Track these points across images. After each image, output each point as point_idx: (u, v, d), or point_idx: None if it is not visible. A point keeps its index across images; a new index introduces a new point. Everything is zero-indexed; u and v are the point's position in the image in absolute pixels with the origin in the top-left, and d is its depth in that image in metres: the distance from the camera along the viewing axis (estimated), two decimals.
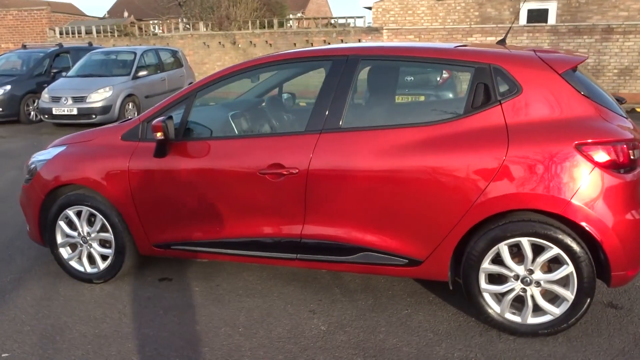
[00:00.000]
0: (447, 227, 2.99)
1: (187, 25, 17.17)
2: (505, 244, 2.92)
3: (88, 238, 3.78)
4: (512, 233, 2.89)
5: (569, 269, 2.85)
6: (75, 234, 3.80)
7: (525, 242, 2.88)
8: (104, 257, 3.79)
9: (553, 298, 2.98)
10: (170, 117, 3.38)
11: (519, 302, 3.03)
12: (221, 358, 2.89)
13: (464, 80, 3.05)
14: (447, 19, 15.67)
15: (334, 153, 3.13)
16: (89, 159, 3.68)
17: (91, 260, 3.83)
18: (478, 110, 2.96)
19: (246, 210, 3.35)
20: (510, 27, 3.98)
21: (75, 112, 11.13)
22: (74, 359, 2.92)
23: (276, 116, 4.09)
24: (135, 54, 12.49)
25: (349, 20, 15.61)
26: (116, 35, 17.41)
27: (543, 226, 2.83)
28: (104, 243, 3.79)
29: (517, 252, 2.96)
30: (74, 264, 3.86)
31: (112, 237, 3.70)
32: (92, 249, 3.80)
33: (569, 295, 2.88)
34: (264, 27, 16.14)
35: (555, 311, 2.93)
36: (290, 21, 15.90)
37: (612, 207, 2.77)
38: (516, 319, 3.00)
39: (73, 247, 3.87)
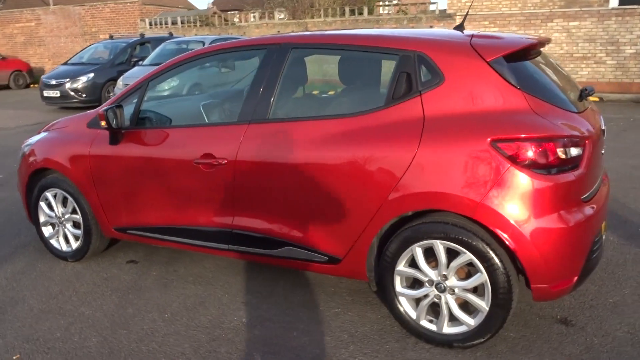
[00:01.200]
0: (362, 224, 2.83)
1: (264, 14, 17.50)
2: (419, 246, 2.72)
3: (63, 219, 4.03)
4: (424, 235, 2.68)
5: (482, 277, 2.59)
6: (53, 214, 4.06)
7: (439, 245, 2.66)
8: (77, 238, 4.02)
9: (473, 308, 2.73)
10: (120, 106, 3.49)
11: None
12: (132, 342, 2.96)
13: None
14: (528, 3, 14.61)
15: (259, 144, 3.07)
16: (60, 144, 3.90)
17: (67, 239, 4.08)
18: (398, 102, 2.76)
19: (185, 199, 3.39)
20: (467, 12, 3.63)
21: None
22: (9, 330, 3.13)
23: (233, 106, 4.07)
24: (203, 43, 12.95)
25: (422, 7, 15.08)
26: (198, 26, 18.18)
27: (455, 229, 2.59)
28: (76, 224, 4.02)
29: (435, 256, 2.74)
30: (53, 242, 4.12)
31: (81, 218, 3.91)
32: (66, 229, 4.04)
33: (484, 306, 2.62)
34: (336, 16, 16.05)
35: (470, 322, 2.68)
36: (364, 9, 15.64)
37: (531, 211, 2.47)
38: (432, 327, 2.79)
39: (53, 226, 4.14)
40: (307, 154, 2.92)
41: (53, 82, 13.46)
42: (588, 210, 2.61)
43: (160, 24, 18.95)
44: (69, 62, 14.83)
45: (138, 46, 14.79)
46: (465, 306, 2.74)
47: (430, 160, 2.61)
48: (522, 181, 2.46)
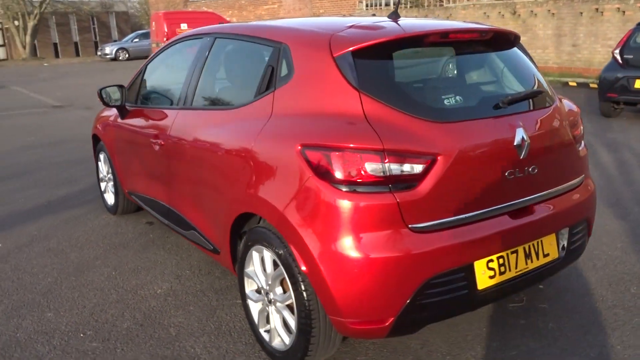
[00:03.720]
0: (223, 219, 2.79)
1: None
2: (255, 250, 2.57)
3: (106, 178, 4.76)
4: (256, 239, 2.52)
5: (291, 295, 2.35)
6: (105, 172, 4.83)
7: (264, 252, 2.49)
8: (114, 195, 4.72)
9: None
10: (121, 86, 3.98)
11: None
12: (67, 288, 3.44)
13: None
14: None
15: (177, 131, 3.22)
16: (102, 116, 4.60)
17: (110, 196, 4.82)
18: (259, 97, 2.61)
19: (150, 173, 3.73)
20: (398, 1, 3.01)
21: None
22: (15, 261, 3.91)
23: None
24: None
25: None
26: (408, 7, 18.14)
27: (273, 238, 2.38)
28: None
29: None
30: (105, 196, 4.90)
31: (113, 179, 4.57)
32: (108, 187, 4.77)
33: (293, 328, 2.38)
34: None
35: (286, 340, 2.46)
36: None
37: (325, 231, 2.13)
38: (266, 337, 2.62)
39: (105, 183, 4.91)
40: (195, 143, 3.01)
41: None
42: (418, 242, 2.13)
43: (376, 5, 19.43)
44: None
45: None
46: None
47: (257, 162, 2.45)
48: (320, 195, 2.14)
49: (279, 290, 2.48)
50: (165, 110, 3.51)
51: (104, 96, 3.93)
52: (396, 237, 2.11)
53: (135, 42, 29.58)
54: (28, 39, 32.92)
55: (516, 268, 2.41)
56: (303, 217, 2.19)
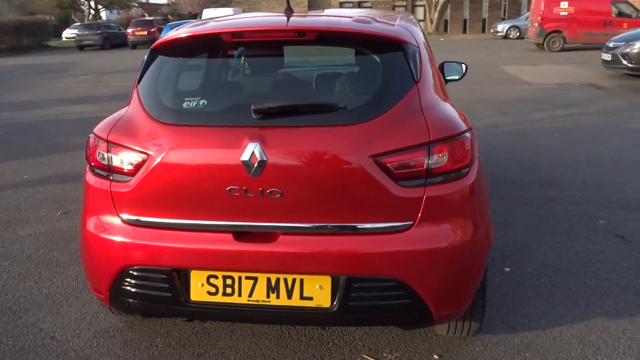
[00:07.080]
0: None
1: None
2: None
3: None
4: None
5: None
6: None
7: None
8: None
9: None
10: None
11: None
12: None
13: None
14: None
15: None
16: None
17: None
18: None
19: None
20: None
21: None
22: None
23: None
24: None
25: None
26: None
27: None
28: None
29: None
30: None
31: None
32: None
33: None
34: None
35: None
36: None
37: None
38: None
39: None
40: None
41: (611, 44, 12.79)
42: (122, 232, 2.26)
43: None
44: None
45: None
46: None
47: None
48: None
49: None
50: None
51: None
52: (106, 222, 2.31)
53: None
54: (436, 15, 35.93)
55: (250, 296, 2.18)
56: None
